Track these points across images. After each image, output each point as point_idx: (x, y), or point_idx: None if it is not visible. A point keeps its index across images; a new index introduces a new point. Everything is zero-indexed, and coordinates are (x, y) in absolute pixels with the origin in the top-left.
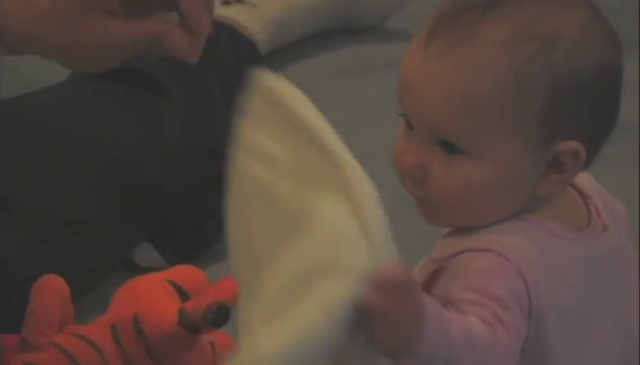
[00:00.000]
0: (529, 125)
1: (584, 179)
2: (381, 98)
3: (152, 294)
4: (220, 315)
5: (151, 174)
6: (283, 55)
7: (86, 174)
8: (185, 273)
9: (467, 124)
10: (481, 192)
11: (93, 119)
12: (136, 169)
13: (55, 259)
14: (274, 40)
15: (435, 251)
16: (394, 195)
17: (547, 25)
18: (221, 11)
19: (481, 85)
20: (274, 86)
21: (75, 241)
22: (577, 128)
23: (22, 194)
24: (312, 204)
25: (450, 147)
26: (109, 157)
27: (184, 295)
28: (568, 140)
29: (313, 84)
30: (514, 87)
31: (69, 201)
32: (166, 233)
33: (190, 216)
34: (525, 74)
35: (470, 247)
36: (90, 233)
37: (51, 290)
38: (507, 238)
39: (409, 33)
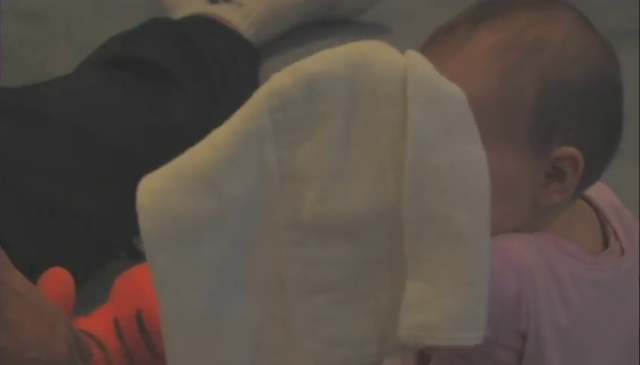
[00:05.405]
0: (521, 130)
1: (600, 194)
2: None
3: (153, 288)
4: None
5: (159, 161)
6: (263, 50)
7: (96, 163)
8: None
9: None
10: None
11: (103, 110)
12: (144, 158)
13: (63, 247)
14: (259, 38)
15: None
16: None
17: (534, 32)
18: (209, 9)
19: (470, 92)
20: None
21: (85, 229)
22: (572, 135)
23: (32, 183)
24: None
25: None
26: (118, 146)
27: None
28: (564, 146)
29: None
30: (503, 91)
31: (80, 191)
32: None
33: None
34: (513, 78)
35: None
36: (99, 222)
37: (57, 283)
38: (521, 244)
39: (386, 26)
